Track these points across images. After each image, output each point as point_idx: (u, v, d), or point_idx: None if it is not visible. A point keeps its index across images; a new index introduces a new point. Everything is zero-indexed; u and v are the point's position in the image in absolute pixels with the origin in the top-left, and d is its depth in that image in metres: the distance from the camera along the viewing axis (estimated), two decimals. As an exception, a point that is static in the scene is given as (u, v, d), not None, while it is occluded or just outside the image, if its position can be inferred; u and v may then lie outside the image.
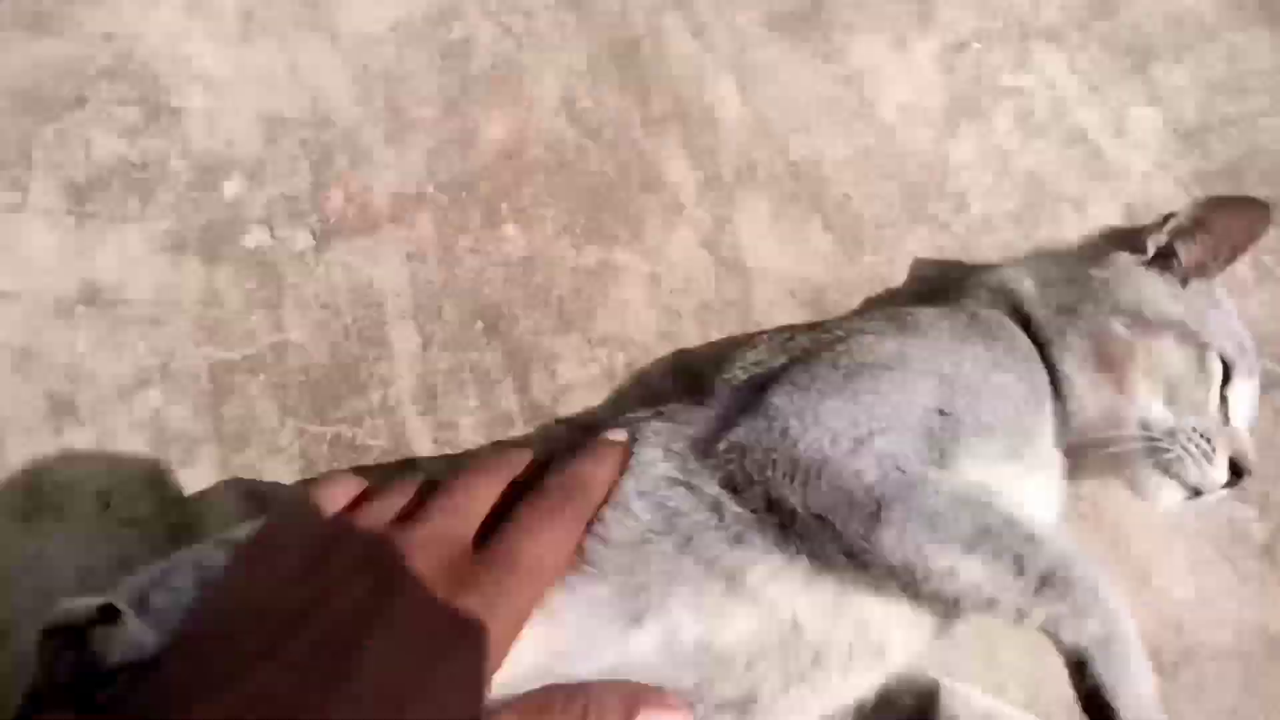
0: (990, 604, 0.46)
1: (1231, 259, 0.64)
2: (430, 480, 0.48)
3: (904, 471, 0.48)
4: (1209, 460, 0.56)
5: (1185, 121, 0.78)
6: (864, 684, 0.52)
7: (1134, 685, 0.45)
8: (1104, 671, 0.45)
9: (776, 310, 0.72)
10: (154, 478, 0.67)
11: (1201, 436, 0.56)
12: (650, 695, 0.39)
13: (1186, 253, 0.63)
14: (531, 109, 0.75)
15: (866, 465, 0.48)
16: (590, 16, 0.77)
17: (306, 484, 0.44)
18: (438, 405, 0.69)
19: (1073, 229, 0.74)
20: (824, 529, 0.47)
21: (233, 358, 0.69)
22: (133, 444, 0.67)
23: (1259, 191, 0.76)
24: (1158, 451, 0.56)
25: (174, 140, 0.71)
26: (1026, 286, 0.63)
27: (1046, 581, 0.45)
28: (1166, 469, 0.57)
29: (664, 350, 0.71)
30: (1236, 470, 0.57)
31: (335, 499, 0.44)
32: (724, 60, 0.77)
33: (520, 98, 0.75)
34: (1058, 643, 0.47)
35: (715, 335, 0.71)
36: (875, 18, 0.79)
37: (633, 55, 0.77)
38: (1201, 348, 0.59)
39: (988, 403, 0.53)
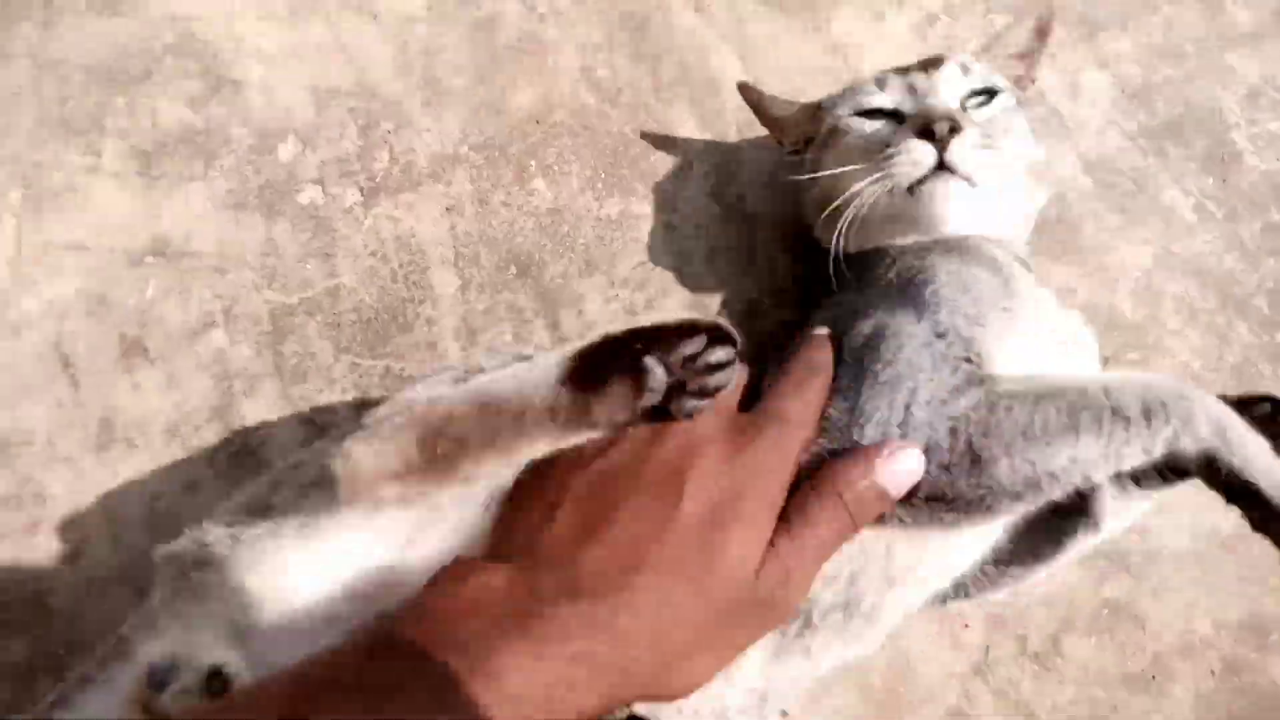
0: (1120, 462, 0.47)
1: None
2: None
3: (960, 411, 0.48)
4: (906, 147, 0.59)
5: (1131, 83, 0.88)
6: (960, 568, 0.57)
7: (1260, 457, 0.47)
8: (1233, 456, 0.46)
9: (774, 251, 0.80)
10: (219, 410, 0.73)
11: (887, 146, 0.60)
12: (873, 450, 0.47)
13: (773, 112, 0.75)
14: (555, 78, 0.83)
15: (926, 434, 0.48)
16: (603, -3, 0.86)
17: None
18: (476, 340, 0.76)
19: (1037, 178, 0.83)
20: (940, 503, 0.48)
21: (290, 301, 0.76)
22: (199, 381, 0.74)
23: (1196, 142, 0.86)
24: (882, 182, 0.60)
25: (234, 109, 0.79)
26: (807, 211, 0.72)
27: (1149, 413, 0.47)
28: (898, 182, 0.60)
29: (678, 289, 0.79)
30: (929, 132, 0.59)
31: None
32: (724, 33, 0.86)
33: (544, 68, 0.83)
34: (1183, 459, 0.48)
35: (726, 274, 0.80)
36: (856, -5, 0.89)
37: (643, 29, 0.86)
38: (837, 119, 0.66)
39: (953, 296, 0.55)
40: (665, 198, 0.81)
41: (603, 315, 0.78)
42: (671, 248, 0.80)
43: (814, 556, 0.46)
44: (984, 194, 0.60)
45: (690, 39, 0.86)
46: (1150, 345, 0.80)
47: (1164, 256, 0.82)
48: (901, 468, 0.46)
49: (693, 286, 0.79)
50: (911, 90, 0.64)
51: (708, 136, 0.83)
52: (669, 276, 0.79)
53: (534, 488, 0.46)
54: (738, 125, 0.83)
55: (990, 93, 0.65)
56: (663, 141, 0.82)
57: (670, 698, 0.44)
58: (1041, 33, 0.72)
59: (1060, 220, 0.82)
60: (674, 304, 0.78)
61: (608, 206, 0.80)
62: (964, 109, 0.64)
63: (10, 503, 0.70)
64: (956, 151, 0.59)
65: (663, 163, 0.82)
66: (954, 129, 0.59)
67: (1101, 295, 0.81)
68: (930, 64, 0.66)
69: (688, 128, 0.83)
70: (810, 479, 0.47)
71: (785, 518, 0.46)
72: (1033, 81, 0.74)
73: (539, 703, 0.36)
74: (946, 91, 0.64)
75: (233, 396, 0.73)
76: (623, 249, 0.80)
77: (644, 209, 0.81)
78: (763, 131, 0.81)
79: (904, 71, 0.67)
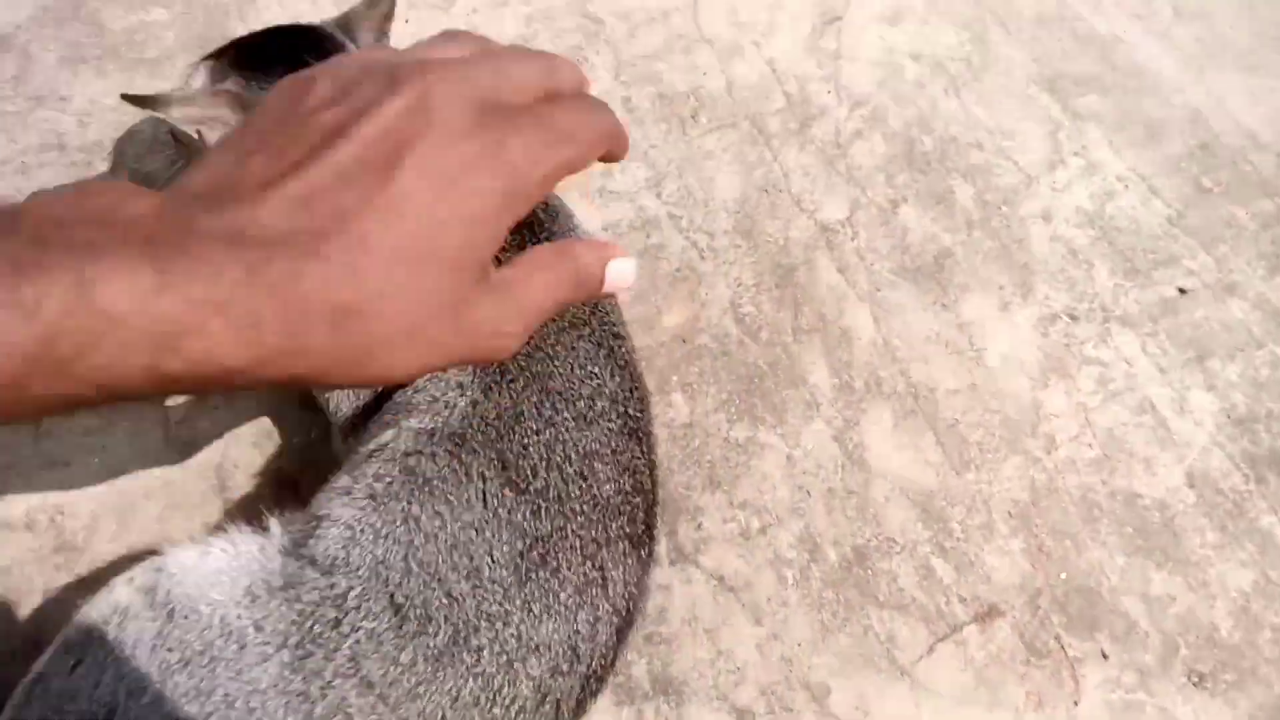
0: None
1: None
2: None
3: None
4: None
5: (1237, 410, 0.93)
6: None
7: None
8: None
9: (891, 504, 0.84)
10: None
11: None
12: (609, 245, 0.41)
13: None
14: (705, 306, 0.91)
15: None
16: (759, 245, 0.96)
17: None
18: (595, 536, 0.80)
19: (1143, 485, 0.87)
20: None
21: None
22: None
23: (1299, 477, 0.90)
24: None
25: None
26: None
27: None
28: None
29: (793, 521, 0.82)
30: None
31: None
32: (862, 294, 0.94)
33: (696, 296, 0.92)
34: None
35: (838, 516, 0.83)
36: (985, 282, 0.97)
37: (789, 277, 0.94)
38: None
39: None
40: (790, 432, 0.86)
41: (719, 533, 0.81)
42: (791, 480, 0.84)
43: (538, 300, 0.38)
44: None
45: (830, 294, 0.94)
46: (1246, 669, 0.81)
47: (1263, 583, 0.84)
48: (625, 268, 0.41)
49: (805, 522, 0.82)
50: None
51: (836, 382, 0.89)
52: (785, 507, 0.83)
53: (234, 133, 0.37)
54: (865, 378, 0.90)
55: None
56: (794, 380, 0.89)
57: (365, 384, 0.37)
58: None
59: (1165, 527, 0.85)
60: (786, 536, 0.82)
61: (737, 430, 0.86)
62: None
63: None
64: None
65: (792, 399, 0.88)
66: None
67: (1201, 609, 0.82)
68: None
69: (819, 372, 0.90)
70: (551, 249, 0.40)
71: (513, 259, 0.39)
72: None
73: (142, 334, 0.28)
74: None
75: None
76: (745, 472, 0.84)
77: (770, 439, 0.86)
78: (888, 389, 0.86)
79: None
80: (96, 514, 0.75)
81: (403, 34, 0.99)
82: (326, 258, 0.31)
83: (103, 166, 0.87)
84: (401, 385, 0.50)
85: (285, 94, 0.36)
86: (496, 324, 0.37)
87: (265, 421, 0.80)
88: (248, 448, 0.79)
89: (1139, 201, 1.05)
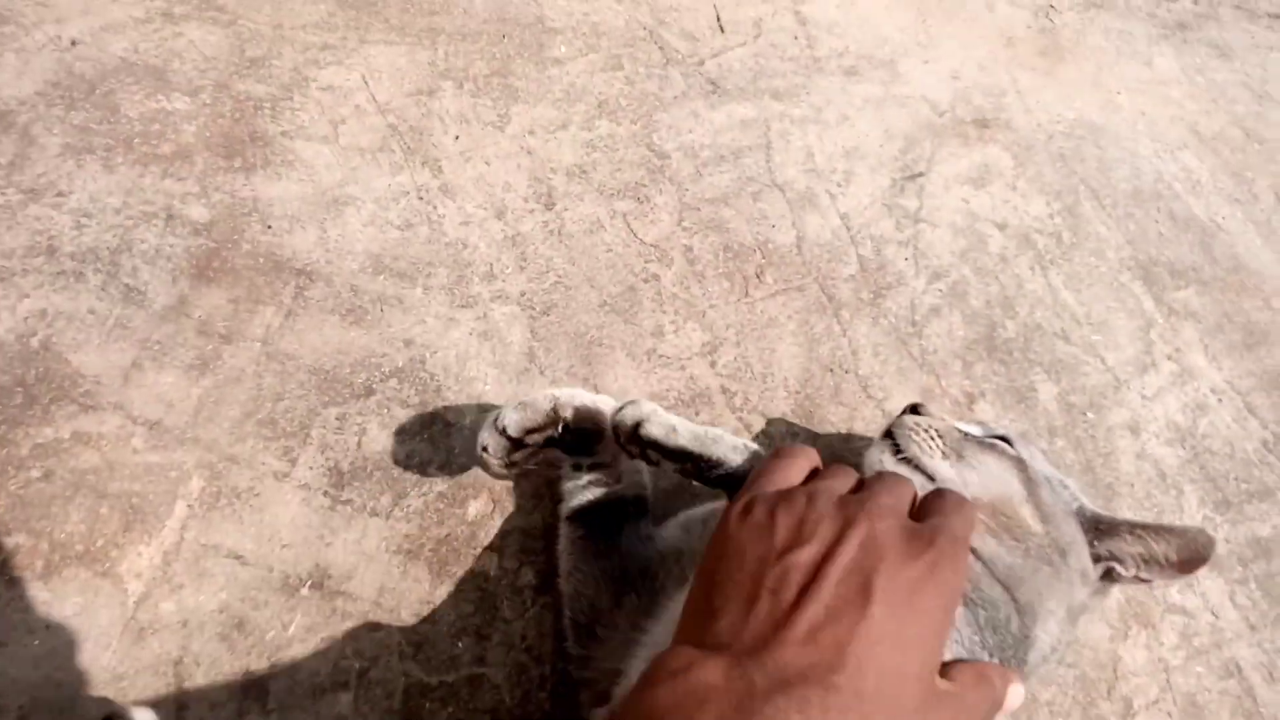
0: None
1: None
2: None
3: None
4: None
5: (1333, 682, 0.83)
6: None
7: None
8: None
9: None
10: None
11: None
12: (1011, 673, 0.48)
13: None
14: (756, 508, 0.81)
15: None
16: (819, 434, 0.86)
17: (771, 453, 0.52)
18: (607, 783, 0.68)
19: (1223, 762, 0.77)
20: None
21: (429, 681, 0.69)
22: (306, 742, 0.66)
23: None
24: None
25: (437, 451, 0.77)
26: None
27: None
28: None
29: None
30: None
31: (799, 469, 0.51)
32: None
33: (749, 495, 0.81)
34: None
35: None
36: (1064, 504, 0.87)
37: (851, 481, 0.84)
38: None
39: None
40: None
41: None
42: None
43: (971, 715, 0.45)
44: None
45: None
46: None
47: None
48: (1018, 694, 0.48)
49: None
50: None
51: None
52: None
53: (720, 571, 0.46)
54: None
55: None
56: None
57: None
58: (1185, 566, 0.66)
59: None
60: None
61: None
62: None
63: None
64: None
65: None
66: None
67: None
68: None
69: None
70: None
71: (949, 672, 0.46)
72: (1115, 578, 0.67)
73: None
74: None
75: (336, 778, 0.65)
76: None
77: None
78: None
79: None
80: (26, 712, 0.64)
81: (451, 150, 0.89)
82: (839, 688, 0.38)
83: (95, 279, 0.76)
84: None
85: (748, 530, 0.45)
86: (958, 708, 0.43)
87: (240, 609, 0.69)
88: (214, 642, 0.67)
89: (1233, 419, 0.95)
